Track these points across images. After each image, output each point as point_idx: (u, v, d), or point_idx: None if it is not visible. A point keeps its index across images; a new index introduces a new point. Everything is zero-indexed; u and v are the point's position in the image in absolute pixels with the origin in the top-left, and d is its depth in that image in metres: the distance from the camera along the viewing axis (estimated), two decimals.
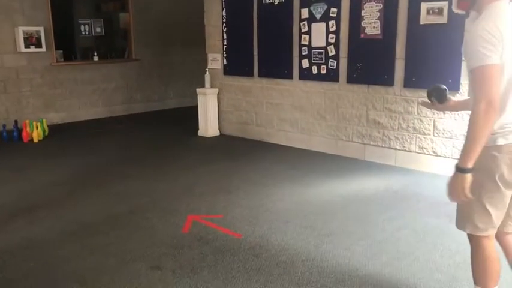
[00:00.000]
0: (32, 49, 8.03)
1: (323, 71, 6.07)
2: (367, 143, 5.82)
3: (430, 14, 5.03)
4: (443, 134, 5.18)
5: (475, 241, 2.36)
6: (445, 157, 5.16)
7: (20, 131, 7.16)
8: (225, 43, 7.21)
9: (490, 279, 2.35)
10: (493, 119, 2.04)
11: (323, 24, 5.96)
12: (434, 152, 5.27)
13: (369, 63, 5.62)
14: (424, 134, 5.31)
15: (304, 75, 6.30)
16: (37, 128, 7.18)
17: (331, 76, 5.99)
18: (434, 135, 5.25)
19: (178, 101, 10.29)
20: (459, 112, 4.82)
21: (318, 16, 5.99)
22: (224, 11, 7.11)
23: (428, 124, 5.27)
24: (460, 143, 4.76)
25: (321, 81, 6.14)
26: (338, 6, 5.78)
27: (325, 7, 5.90)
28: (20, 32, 7.86)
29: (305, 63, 6.25)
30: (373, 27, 5.50)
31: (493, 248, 2.34)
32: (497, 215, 2.24)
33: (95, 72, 9.10)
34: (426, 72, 5.15)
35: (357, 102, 5.82)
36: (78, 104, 8.89)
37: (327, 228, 3.80)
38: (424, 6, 5.04)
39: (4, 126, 7.19)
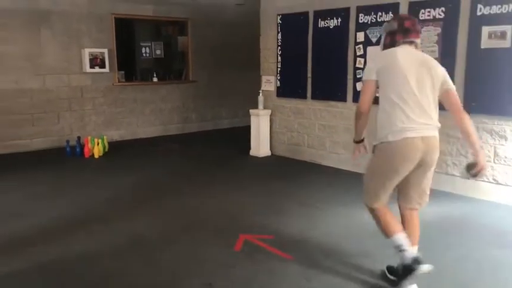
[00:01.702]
0: (97, 69, 8.48)
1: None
2: None
3: (491, 38, 4.89)
4: (504, 161, 4.97)
5: (370, 210, 3.22)
6: (507, 185, 4.94)
7: (82, 146, 7.53)
8: (279, 66, 7.31)
9: (392, 227, 3.09)
10: None
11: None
12: (495, 179, 5.06)
13: None
14: None
15: (358, 98, 6.23)
16: (98, 144, 7.52)
17: None
18: (494, 162, 5.05)
19: (232, 121, 10.48)
20: None
21: (374, 39, 5.98)
22: (279, 34, 7.24)
23: (489, 151, 5.08)
24: None
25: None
26: None
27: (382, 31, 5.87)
28: (86, 53, 8.32)
29: (359, 86, 6.21)
30: (431, 51, 5.41)
31: (384, 209, 3.14)
32: (384, 193, 3.10)
33: (154, 92, 9.46)
34: (487, 97, 4.99)
35: None
36: (136, 123, 9.25)
37: (382, 254, 3.71)
38: (485, 30, 4.92)
39: (68, 141, 7.58)
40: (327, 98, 6.70)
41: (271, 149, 7.55)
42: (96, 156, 7.42)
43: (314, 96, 6.88)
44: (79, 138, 7.68)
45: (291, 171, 6.49)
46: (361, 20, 6.10)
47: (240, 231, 4.19)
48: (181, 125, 9.89)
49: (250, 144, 7.53)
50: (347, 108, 6.43)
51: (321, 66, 6.74)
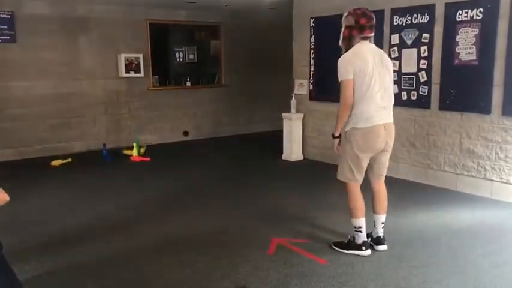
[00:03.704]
0: (132, 74, 8.66)
1: (413, 97, 5.92)
2: (460, 172, 5.53)
3: None
4: None
5: (346, 186, 3.72)
6: None
7: (117, 150, 7.68)
8: (312, 69, 7.29)
9: (358, 211, 3.67)
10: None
11: (414, 50, 5.83)
12: None
13: (464, 90, 5.39)
14: None
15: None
16: (133, 148, 7.67)
17: (422, 102, 5.82)
18: None
19: (264, 125, 10.49)
20: None
21: (409, 42, 5.89)
22: (312, 37, 7.22)
23: None
24: None
25: (411, 108, 5.98)
26: (430, 32, 5.64)
27: (417, 33, 5.78)
28: (122, 58, 8.52)
29: (394, 89, 6.10)
30: (469, 52, 5.29)
31: (357, 191, 3.69)
32: (358, 172, 3.65)
33: (187, 96, 9.58)
34: None
35: (450, 129, 5.59)
36: (170, 127, 9.39)
37: (417, 260, 3.65)
38: None
39: (104, 145, 7.76)
40: None
41: (303, 153, 7.53)
42: (132, 158, 7.57)
43: None
44: (104, 145, 7.76)
45: (323, 175, 6.43)
46: (396, 22, 6.02)
47: (273, 235, 4.19)
48: (214, 129, 9.98)
49: (283, 148, 7.52)
50: None
51: None
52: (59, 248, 3.96)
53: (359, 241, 3.69)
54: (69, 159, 6.97)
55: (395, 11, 6.03)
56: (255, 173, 6.73)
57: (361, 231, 3.69)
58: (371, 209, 3.82)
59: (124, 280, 3.41)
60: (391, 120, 3.66)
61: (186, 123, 9.60)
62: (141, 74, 8.76)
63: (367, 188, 3.83)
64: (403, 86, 6.01)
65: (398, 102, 6.05)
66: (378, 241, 3.81)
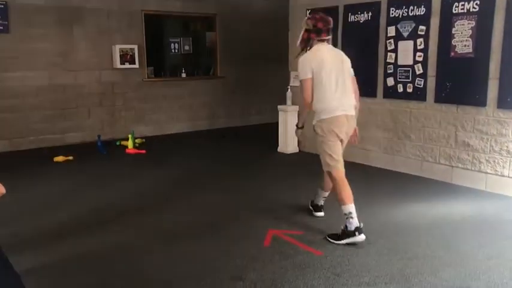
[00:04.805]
0: (127, 65, 8.60)
1: (409, 90, 5.92)
2: (455, 165, 5.56)
3: None
4: None
5: (331, 175, 3.94)
6: None
7: (112, 142, 7.64)
8: None
9: (346, 198, 3.81)
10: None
11: (410, 42, 5.83)
12: None
13: (459, 83, 5.40)
14: None
15: (389, 93, 6.18)
16: (127, 139, 7.64)
17: (418, 95, 5.82)
18: None
19: (260, 117, 10.47)
20: None
21: (405, 34, 5.88)
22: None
23: None
24: None
25: (406, 100, 5.99)
26: (427, 24, 5.63)
27: (413, 25, 5.77)
28: (117, 49, 8.46)
29: (390, 82, 6.13)
30: (465, 45, 5.29)
31: (343, 178, 3.90)
32: (337, 155, 3.91)
33: (182, 88, 9.55)
34: None
35: (445, 122, 5.60)
36: (165, 118, 9.36)
37: (411, 252, 3.67)
38: None
39: (99, 136, 7.72)
40: None
41: (298, 145, 7.52)
42: (127, 151, 7.54)
43: None
44: (99, 136, 7.71)
45: (319, 168, 6.43)
46: (392, 14, 6.01)
47: (269, 227, 4.20)
48: (210, 120, 9.95)
49: (278, 140, 7.52)
50: (377, 104, 6.35)
51: (351, 61, 6.64)
52: (54, 240, 3.95)
53: (351, 228, 3.76)
54: (71, 157, 6.90)
55: (391, 3, 6.01)
56: (250, 165, 6.73)
57: (352, 217, 3.76)
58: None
59: (120, 272, 3.41)
60: (352, 113, 3.94)
61: (181, 114, 9.56)
62: (136, 65, 8.70)
63: (352, 178, 3.84)
64: (399, 78, 6.01)
65: (394, 94, 6.12)
66: (317, 208, 4.43)
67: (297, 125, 4.27)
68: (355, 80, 4.08)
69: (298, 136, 4.43)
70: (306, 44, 4.01)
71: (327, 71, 3.83)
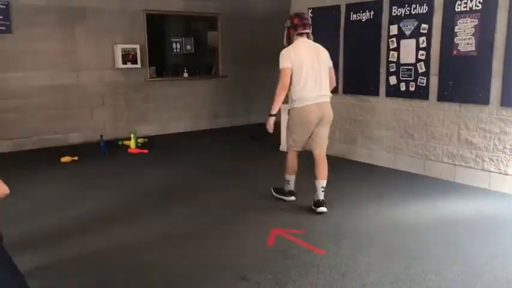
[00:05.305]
0: (129, 65, 8.60)
1: (412, 88, 5.91)
2: (458, 164, 5.55)
3: None
4: None
5: (288, 151, 4.69)
6: None
7: (114, 141, 7.64)
8: None
9: (289, 169, 4.71)
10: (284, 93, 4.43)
11: (413, 41, 5.82)
12: None
13: (462, 81, 5.38)
14: None
15: (391, 92, 6.17)
16: (130, 139, 7.64)
17: (421, 93, 5.81)
18: None
19: (261, 117, 10.40)
20: None
21: (407, 33, 5.87)
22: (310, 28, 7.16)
23: None
24: None
25: (409, 99, 5.98)
26: (429, 22, 5.62)
27: (416, 23, 5.76)
28: (119, 49, 8.46)
29: (393, 80, 6.12)
30: (467, 43, 5.28)
31: (294, 156, 4.66)
32: (297, 141, 4.56)
33: (184, 87, 9.55)
34: None
35: (448, 120, 5.59)
36: (167, 118, 9.36)
37: (416, 251, 3.67)
38: None
39: (101, 136, 7.73)
40: (359, 92, 6.62)
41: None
42: (130, 150, 7.54)
43: (346, 91, 6.80)
44: (102, 136, 7.72)
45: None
46: (395, 12, 6.00)
47: (272, 226, 4.19)
48: (212, 120, 9.95)
49: (280, 139, 7.51)
50: (379, 102, 6.35)
51: (353, 60, 6.67)
52: (58, 240, 3.95)
53: (286, 189, 4.79)
54: (76, 158, 6.90)
55: (394, 1, 6.01)
56: (252, 164, 6.73)
57: (289, 183, 4.76)
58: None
59: (123, 271, 3.41)
60: (326, 99, 4.44)
61: (184, 114, 9.57)
62: (138, 65, 8.70)
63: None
64: (402, 76, 6.00)
65: (396, 93, 6.11)
66: (318, 204, 4.51)
67: (270, 113, 4.51)
68: (333, 70, 4.59)
69: (272, 126, 4.53)
70: (289, 40, 4.51)
71: (303, 64, 4.32)
